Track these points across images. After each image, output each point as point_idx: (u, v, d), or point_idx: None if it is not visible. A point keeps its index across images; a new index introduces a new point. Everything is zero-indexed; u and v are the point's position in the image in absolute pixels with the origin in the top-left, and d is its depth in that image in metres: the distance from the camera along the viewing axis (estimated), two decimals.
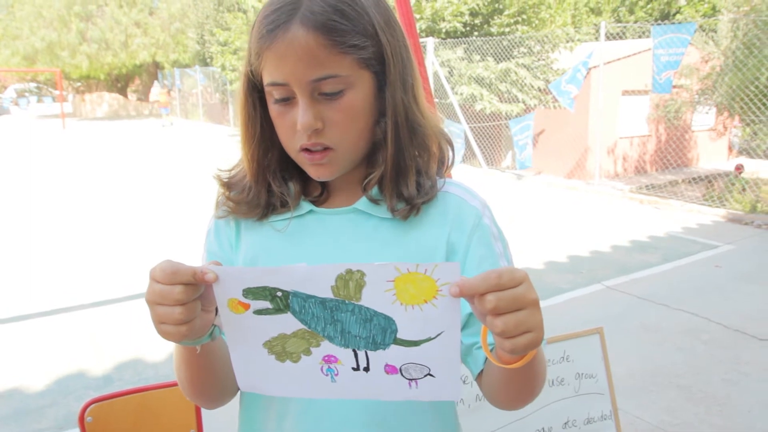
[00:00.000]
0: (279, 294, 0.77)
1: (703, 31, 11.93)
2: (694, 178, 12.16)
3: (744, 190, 9.84)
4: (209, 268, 0.76)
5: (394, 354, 0.80)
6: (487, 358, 0.94)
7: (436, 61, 12.44)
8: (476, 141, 13.04)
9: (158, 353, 4.28)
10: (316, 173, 0.96)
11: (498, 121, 12.85)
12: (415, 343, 0.78)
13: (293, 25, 0.85)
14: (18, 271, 6.24)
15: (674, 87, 11.20)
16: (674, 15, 24.22)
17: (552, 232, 7.80)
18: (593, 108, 11.42)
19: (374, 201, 1.00)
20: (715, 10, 19.45)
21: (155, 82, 36.83)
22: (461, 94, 12.87)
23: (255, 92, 0.97)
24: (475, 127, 13.10)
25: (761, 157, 13.35)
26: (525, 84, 13.02)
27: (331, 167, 0.95)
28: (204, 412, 1.83)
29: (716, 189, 10.76)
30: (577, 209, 9.41)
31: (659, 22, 9.69)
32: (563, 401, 2.49)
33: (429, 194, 1.00)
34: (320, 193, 1.03)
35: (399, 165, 0.98)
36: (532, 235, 7.58)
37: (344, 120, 0.91)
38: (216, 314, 0.82)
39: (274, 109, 0.93)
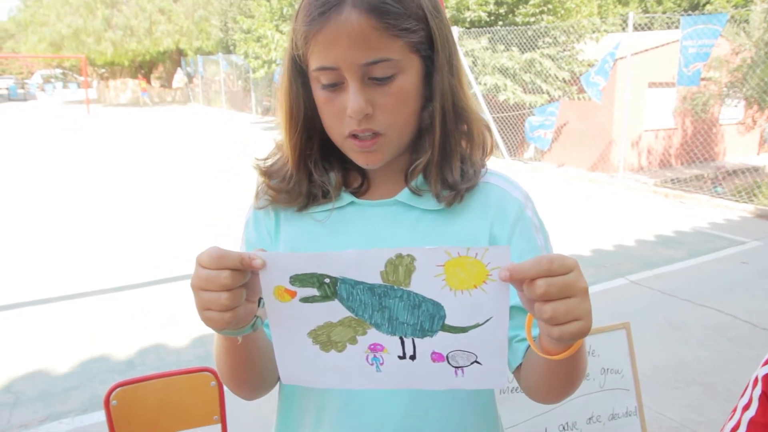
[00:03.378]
0: (327, 281, 0.76)
1: (735, 22, 11.70)
2: (727, 172, 11.99)
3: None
4: (257, 254, 0.75)
5: (441, 341, 0.79)
6: (528, 350, 0.94)
7: (460, 50, 12.34)
8: (499, 132, 12.96)
9: (180, 339, 4.32)
10: (365, 160, 0.95)
11: (521, 111, 12.74)
12: (463, 330, 0.77)
13: (345, 7, 0.84)
14: (45, 255, 6.33)
15: (702, 79, 11.02)
16: (704, 5, 23.80)
17: (574, 224, 7.72)
18: (618, 100, 11.28)
19: (416, 192, 0.99)
20: (747, 1, 19.07)
21: (178, 69, 37.07)
22: (485, 84, 12.78)
23: (300, 78, 0.95)
24: (498, 117, 13.02)
25: None
26: (549, 75, 12.89)
27: (380, 154, 0.94)
28: (228, 399, 1.83)
29: (744, 184, 10.58)
30: (600, 202, 9.31)
31: (689, 12, 9.51)
32: (588, 396, 2.46)
33: (472, 181, 0.99)
34: (360, 184, 1.02)
35: (445, 150, 0.97)
36: (554, 227, 7.50)
37: (395, 105, 0.90)
38: (259, 305, 0.81)
39: (321, 95, 0.91)
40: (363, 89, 0.88)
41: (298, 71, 0.94)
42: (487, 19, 13.76)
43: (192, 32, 31.60)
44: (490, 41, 13.27)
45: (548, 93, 12.89)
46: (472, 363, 0.79)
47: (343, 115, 0.90)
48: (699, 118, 13.57)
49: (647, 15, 13.46)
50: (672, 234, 7.35)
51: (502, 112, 13.01)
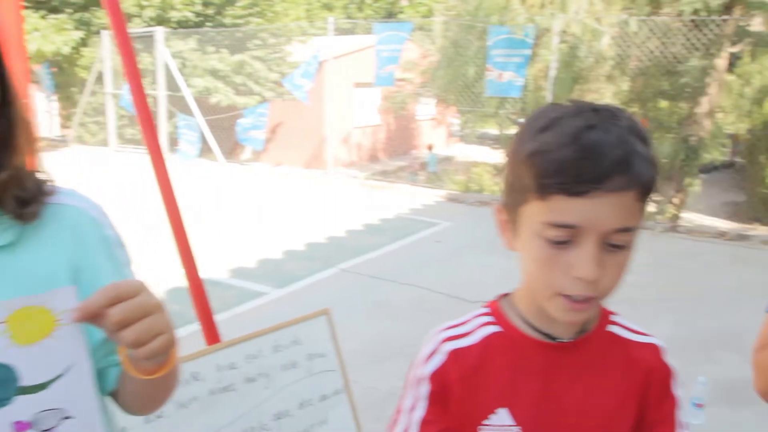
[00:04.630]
0: None
1: (422, 30, 13.08)
2: (420, 163, 13.32)
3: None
4: None
5: (21, 407, 0.70)
6: (119, 375, 0.91)
7: (167, 52, 11.92)
8: (213, 134, 12.78)
9: None
10: None
11: (235, 112, 12.74)
12: (43, 387, 0.70)
13: None
14: None
15: (399, 80, 12.13)
16: (398, 14, 26.17)
17: (290, 221, 8.00)
18: (328, 100, 11.89)
19: None
20: (431, 12, 21.43)
21: None
22: (195, 86, 12.53)
23: None
24: (211, 120, 12.84)
25: (474, 143, 15.11)
26: (261, 76, 13.09)
27: None
28: None
29: (439, 172, 11.94)
30: (315, 198, 9.75)
31: (385, 20, 10.42)
32: (297, 383, 2.57)
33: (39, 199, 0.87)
34: None
35: (17, 164, 0.85)
36: (271, 225, 7.70)
37: None
38: None
39: None
40: None
41: None
42: (195, 20, 13.49)
43: None
44: (198, 42, 13.04)
45: (261, 94, 13.10)
46: (63, 419, 0.73)
47: None
48: (399, 115, 14.95)
49: (349, 20, 14.33)
50: (378, 222, 8.02)
51: (215, 115, 12.87)
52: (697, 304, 5.33)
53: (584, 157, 0.79)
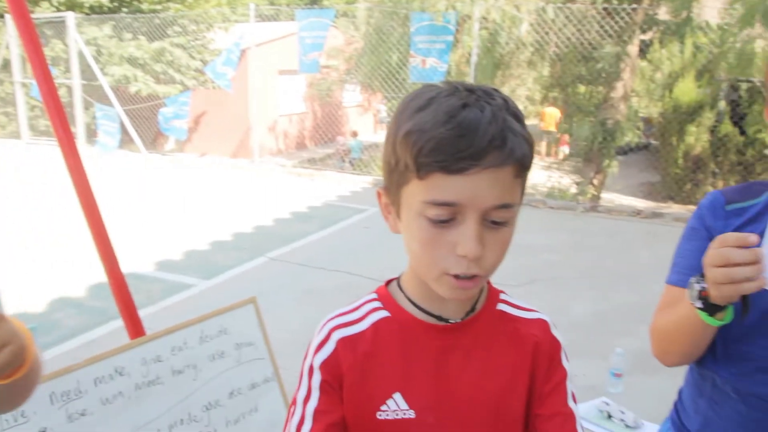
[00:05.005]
0: None
1: (346, 16, 13.02)
2: (344, 150, 13.32)
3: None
4: None
5: None
6: None
7: (80, 38, 11.43)
8: (133, 125, 12.39)
9: None
10: None
11: (156, 101, 12.38)
12: None
13: None
14: None
15: (324, 67, 12.06)
16: (321, 0, 25.96)
17: (216, 211, 7.88)
18: (252, 88, 11.71)
19: None
20: None
21: None
22: (112, 75, 12.09)
23: None
24: (130, 109, 12.43)
25: None
26: (182, 64, 12.76)
27: None
28: None
29: (366, 159, 11.98)
30: (242, 188, 9.63)
31: (308, 6, 10.34)
32: (226, 372, 2.56)
33: None
34: None
35: None
36: (197, 216, 7.56)
37: None
38: None
39: None
40: None
41: None
42: (110, 5, 13.00)
43: None
44: (114, 29, 12.57)
45: (182, 83, 12.77)
46: None
47: None
48: (325, 102, 14.88)
49: (272, 7, 14.13)
50: (306, 210, 8.00)
51: (135, 104, 12.47)
52: (616, 279, 5.58)
53: (460, 135, 0.80)
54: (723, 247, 1.00)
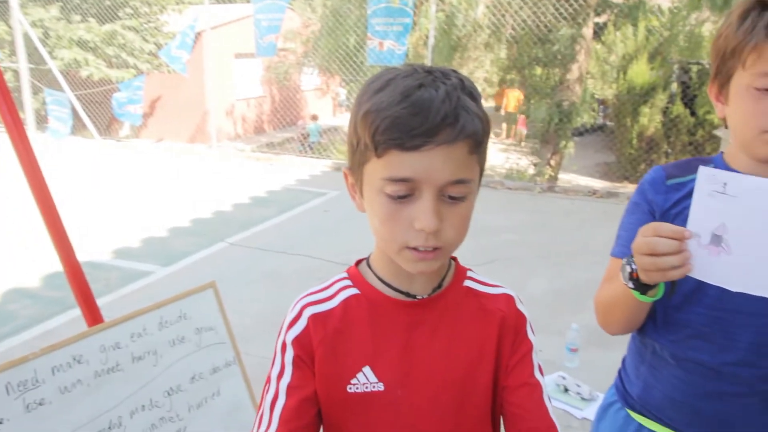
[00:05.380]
0: None
1: None
2: (301, 135, 13.24)
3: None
4: None
5: None
6: None
7: (24, 20, 11.05)
8: (86, 110, 12.09)
9: None
10: None
11: (109, 86, 12.09)
12: None
13: None
14: None
15: (281, 50, 11.92)
16: None
17: (174, 198, 7.77)
18: (208, 71, 11.53)
19: None
20: None
21: None
22: (62, 59, 11.75)
23: None
24: (82, 94, 12.12)
25: None
26: (135, 48, 12.47)
27: None
28: None
29: (325, 142, 11.93)
30: (199, 173, 9.50)
31: None
32: (187, 358, 2.54)
33: None
34: None
35: None
36: (154, 203, 7.45)
37: None
38: None
39: None
40: None
41: None
42: None
43: None
44: (62, 10, 12.20)
45: (136, 67, 12.49)
46: None
47: None
48: (283, 85, 14.73)
49: None
50: (265, 194, 7.95)
51: (87, 89, 12.16)
52: (572, 258, 5.71)
53: (414, 113, 0.83)
54: (654, 236, 1.03)
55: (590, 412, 3.30)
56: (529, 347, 1.05)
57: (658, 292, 1.14)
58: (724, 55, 1.17)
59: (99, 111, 12.35)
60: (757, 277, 1.00)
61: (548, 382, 3.41)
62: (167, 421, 2.35)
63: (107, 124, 12.69)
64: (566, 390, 3.43)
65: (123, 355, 2.18)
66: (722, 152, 1.30)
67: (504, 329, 1.03)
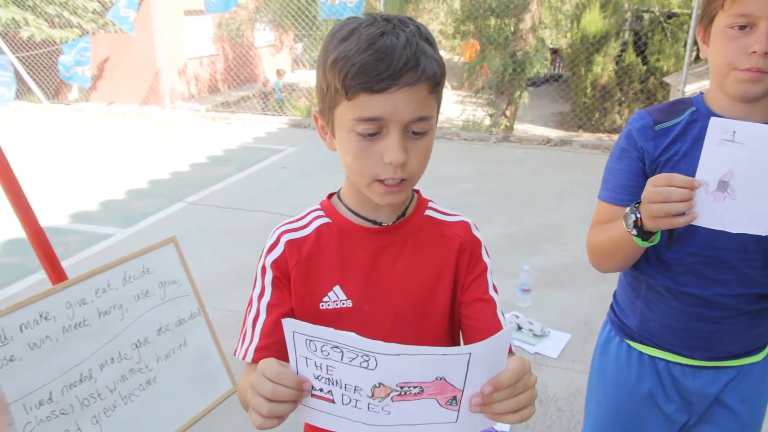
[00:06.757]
0: None
1: None
2: (260, 93, 13.07)
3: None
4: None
5: None
6: None
7: None
8: (30, 73, 11.69)
9: None
10: None
11: (53, 47, 11.68)
12: None
13: None
14: None
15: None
16: None
17: (130, 160, 7.68)
18: (157, 30, 11.24)
19: None
20: None
21: None
22: None
23: None
24: (25, 57, 11.70)
25: (313, 68, 14.98)
26: (78, 6, 12.01)
27: None
28: None
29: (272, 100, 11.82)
30: (155, 135, 9.37)
31: None
32: (152, 311, 2.61)
33: None
34: None
35: None
36: (110, 166, 7.36)
37: None
38: None
39: None
40: None
41: None
42: None
43: None
44: None
45: (80, 26, 12.06)
46: None
47: None
48: (236, 42, 14.42)
49: None
50: (222, 153, 7.92)
51: (29, 50, 11.73)
52: (526, 204, 5.88)
53: (380, 59, 0.93)
54: (666, 185, 1.13)
55: (542, 347, 3.49)
56: (484, 267, 1.17)
57: (656, 238, 1.25)
58: None
59: (46, 74, 11.96)
60: (758, 217, 1.10)
61: None
62: (137, 372, 2.43)
63: (56, 89, 12.32)
64: (519, 328, 3.61)
65: (89, 311, 2.24)
66: (701, 93, 1.38)
67: (461, 252, 1.15)
